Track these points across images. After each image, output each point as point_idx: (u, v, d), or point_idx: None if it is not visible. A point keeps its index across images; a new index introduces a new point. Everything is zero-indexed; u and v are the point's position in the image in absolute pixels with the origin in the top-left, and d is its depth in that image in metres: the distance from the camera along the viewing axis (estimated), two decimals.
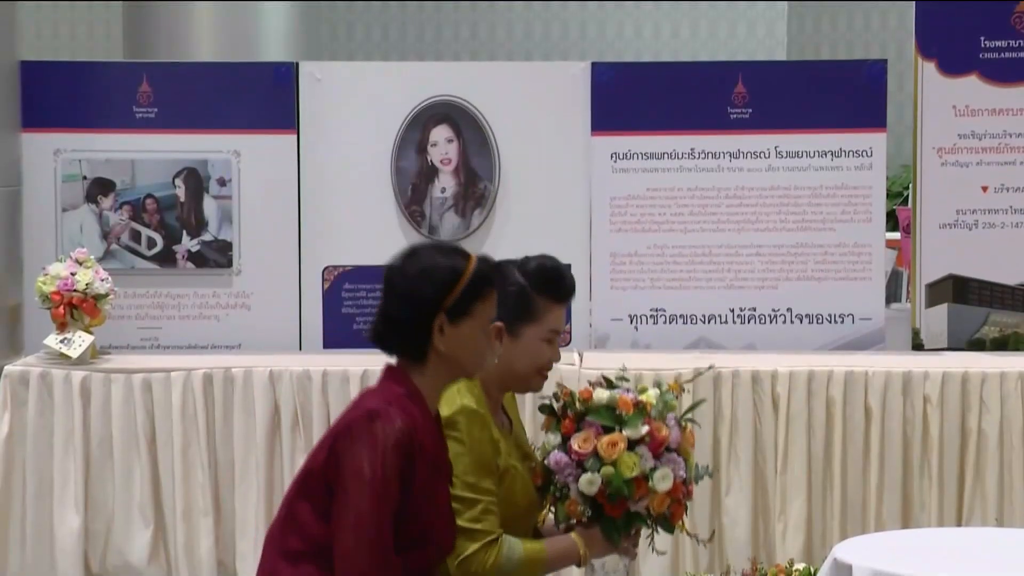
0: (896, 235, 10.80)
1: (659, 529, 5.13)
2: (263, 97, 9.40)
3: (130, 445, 8.34)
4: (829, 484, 8.58)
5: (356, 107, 9.45)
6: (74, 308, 8.60)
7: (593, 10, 18.72)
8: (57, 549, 8.50)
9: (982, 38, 9.16)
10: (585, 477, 4.94)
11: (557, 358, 5.38)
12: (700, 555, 8.57)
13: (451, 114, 9.29)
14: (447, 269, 4.69)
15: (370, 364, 8.32)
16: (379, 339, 4.78)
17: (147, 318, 8.79)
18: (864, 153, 9.21)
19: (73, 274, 8.58)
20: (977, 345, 9.00)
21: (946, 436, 8.19)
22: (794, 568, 7.17)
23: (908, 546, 5.26)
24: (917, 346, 9.03)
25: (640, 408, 5.00)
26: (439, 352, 4.68)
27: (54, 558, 8.51)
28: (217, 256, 9.03)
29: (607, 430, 4.95)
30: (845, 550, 5.05)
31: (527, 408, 7.73)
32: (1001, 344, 9.00)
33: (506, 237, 9.27)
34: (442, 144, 9.31)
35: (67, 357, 8.59)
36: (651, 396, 5.07)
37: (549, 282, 5.33)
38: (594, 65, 9.44)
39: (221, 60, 11.61)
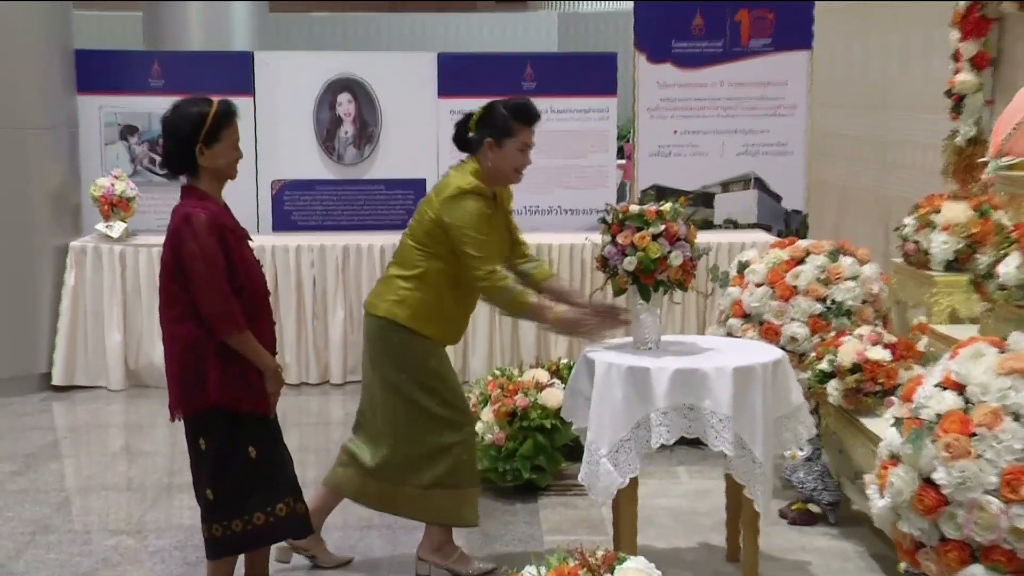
0: (623, 161, 10.98)
1: (676, 288, 4.96)
2: (233, 73, 9.50)
3: (151, 290, 8.27)
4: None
5: (290, 80, 9.56)
6: (113, 206, 8.91)
7: (444, 19, 18.74)
8: (108, 355, 8.82)
9: (673, 39, 9.46)
10: (627, 259, 4.84)
11: (528, 161, 5.25)
12: (503, 352, 8.99)
13: (350, 85, 9.47)
14: (197, 115, 4.59)
15: (301, 241, 8.89)
16: (168, 169, 4.71)
17: (159, 212, 8.49)
18: (604, 110, 9.58)
19: (112, 184, 8.88)
20: None
21: None
22: (561, 362, 6.96)
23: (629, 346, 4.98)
24: None
25: (659, 214, 4.89)
26: (204, 167, 4.59)
27: (106, 361, 8.82)
28: None
29: (639, 229, 4.85)
30: (590, 349, 4.96)
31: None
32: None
33: (386, 161, 9.51)
34: (344, 104, 9.48)
35: (109, 237, 8.88)
36: (667, 207, 4.95)
37: (519, 111, 5.20)
38: (440, 56, 9.64)
39: (207, 49, 11.70)
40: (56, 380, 8.81)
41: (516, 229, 5.46)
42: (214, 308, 4.48)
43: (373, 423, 5.29)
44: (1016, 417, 3.18)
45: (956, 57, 6.63)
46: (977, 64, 6.54)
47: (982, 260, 4.32)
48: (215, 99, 4.71)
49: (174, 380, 4.63)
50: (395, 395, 5.18)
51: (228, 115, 4.67)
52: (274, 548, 5.06)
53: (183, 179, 4.69)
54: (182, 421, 4.67)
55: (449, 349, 8.66)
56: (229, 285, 4.53)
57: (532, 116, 5.24)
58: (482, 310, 8.78)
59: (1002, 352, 3.38)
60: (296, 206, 9.52)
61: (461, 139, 5.29)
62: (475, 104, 8.95)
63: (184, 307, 4.55)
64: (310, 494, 5.16)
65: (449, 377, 5.31)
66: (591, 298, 5.25)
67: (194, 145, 4.57)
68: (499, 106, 5.24)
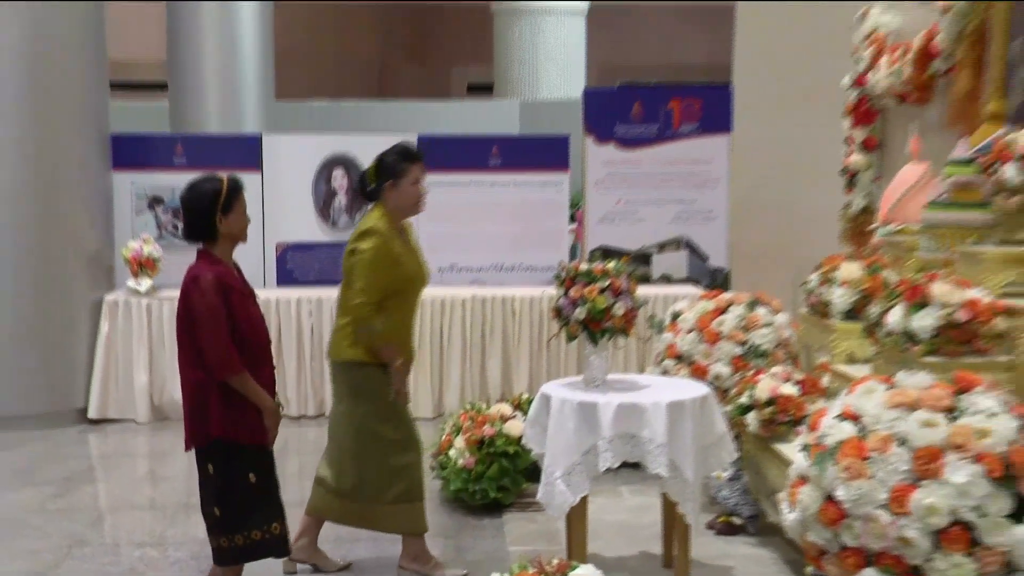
0: (575, 225, 10.90)
1: (620, 334, 4.92)
2: (244, 152, 9.48)
3: (172, 338, 7.49)
4: (546, 350, 8.83)
5: (292, 158, 9.53)
6: (142, 265, 8.89)
7: (424, 107, 18.78)
8: (135, 393, 8.78)
9: (616, 123, 9.52)
10: (578, 310, 4.84)
11: (425, 191, 5.26)
12: (472, 389, 8.80)
13: (344, 162, 9.45)
14: (212, 191, 4.59)
15: (301, 295, 8.89)
16: (189, 237, 4.68)
17: (180, 271, 8.13)
18: (558, 183, 9.60)
19: (141, 247, 8.88)
20: None
21: None
22: (522, 397, 6.82)
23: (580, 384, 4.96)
24: None
25: (605, 271, 4.90)
26: (222, 233, 4.60)
27: (134, 398, 8.78)
28: None
29: (588, 284, 4.86)
30: (547, 386, 4.98)
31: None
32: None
33: None
34: (339, 178, 9.48)
35: (138, 292, 8.84)
36: (611, 265, 4.97)
37: (406, 152, 5.22)
38: (420, 137, 9.39)
39: (222, 132, 11.72)
40: (91, 414, 8.75)
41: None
42: (215, 355, 4.49)
43: (340, 454, 5.28)
44: (902, 443, 3.21)
45: (849, 141, 6.71)
46: (866, 147, 6.63)
47: (873, 310, 4.36)
48: (224, 175, 4.71)
49: (186, 416, 4.64)
50: (358, 427, 5.19)
51: (237, 188, 4.68)
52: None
53: (199, 244, 4.67)
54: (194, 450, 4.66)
55: (425, 386, 8.74)
56: (232, 337, 4.52)
57: (417, 154, 5.29)
58: (455, 354, 8.87)
59: (890, 388, 3.41)
60: (297, 264, 9.48)
61: (365, 192, 5.29)
62: (452, 178, 9.41)
63: (194, 354, 4.56)
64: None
65: (400, 406, 5.27)
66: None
67: (214, 216, 4.58)
68: (387, 154, 5.25)
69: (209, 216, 4.59)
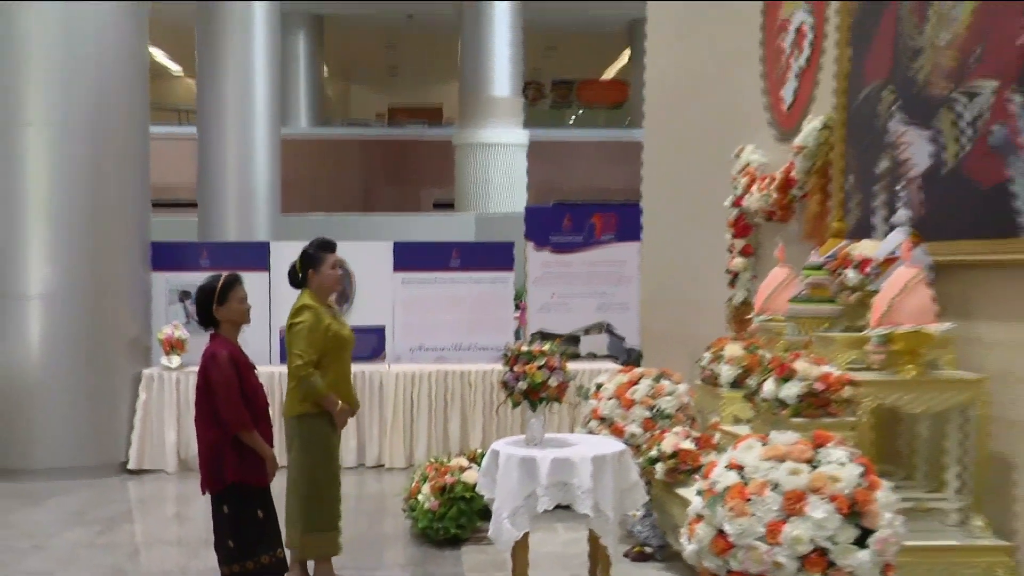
0: (518, 313, 10.90)
1: (554, 401, 4.92)
2: (256, 256, 9.47)
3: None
4: (496, 414, 8.78)
5: (290, 263, 9.52)
6: (172, 346, 8.86)
7: (398, 219, 18.79)
8: (166, 448, 8.68)
9: (551, 233, 9.65)
10: (521, 382, 4.82)
11: (340, 273, 5.26)
12: (437, 445, 8.74)
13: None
14: (210, 288, 4.62)
15: None
16: (200, 324, 4.69)
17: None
18: (505, 280, 9.58)
19: (172, 331, 8.87)
20: None
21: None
22: (477, 452, 6.79)
23: (523, 441, 4.95)
24: None
25: (542, 351, 4.89)
26: (221, 320, 4.62)
27: (165, 452, 8.68)
28: None
29: (529, 362, 4.85)
30: (496, 444, 4.93)
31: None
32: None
33: (359, 313, 9.34)
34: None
35: (169, 368, 8.78)
36: (547, 347, 4.95)
37: (323, 244, 5.23)
38: (395, 244, 9.55)
39: (238, 240, 11.65)
40: (131, 465, 8.66)
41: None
42: (230, 415, 4.48)
43: (292, 489, 5.19)
44: (775, 487, 3.19)
45: (731, 249, 6.76)
46: (744, 253, 6.67)
47: (752, 382, 4.34)
48: (225, 274, 4.72)
49: (202, 465, 4.60)
50: (304, 468, 5.11)
51: (229, 284, 4.67)
52: None
53: (210, 328, 4.70)
54: (209, 494, 4.64)
55: (398, 442, 8.66)
56: (243, 402, 4.53)
57: (331, 245, 5.28)
58: (423, 416, 8.81)
59: (765, 444, 3.41)
60: None
61: (294, 281, 5.28)
62: (420, 276, 9.43)
63: (210, 415, 4.53)
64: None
65: (333, 451, 5.22)
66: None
67: (211, 307, 4.62)
68: (308, 248, 5.23)
69: (208, 307, 4.63)
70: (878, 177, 4.85)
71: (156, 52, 25.17)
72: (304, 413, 5.05)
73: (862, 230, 4.96)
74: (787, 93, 6.11)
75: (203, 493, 4.63)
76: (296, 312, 5.08)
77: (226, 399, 4.48)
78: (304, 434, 5.09)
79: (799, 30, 5.97)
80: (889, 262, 4.24)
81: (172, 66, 27.67)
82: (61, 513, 7.35)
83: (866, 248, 4.47)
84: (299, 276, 5.22)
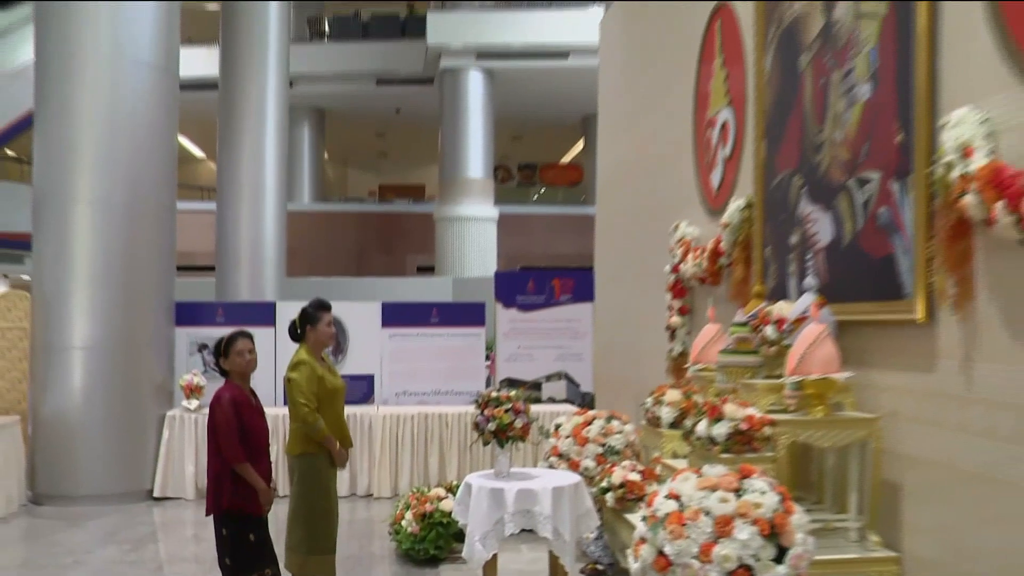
0: (489, 363, 10.65)
1: (520, 440, 4.86)
2: (263, 314, 9.40)
3: None
4: (469, 451, 8.62)
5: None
6: (192, 391, 8.78)
7: (386, 282, 18.72)
8: (186, 479, 8.59)
9: (517, 295, 9.66)
10: (490, 424, 4.79)
11: (333, 331, 5.10)
12: (418, 477, 8.67)
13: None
14: (217, 343, 4.67)
15: None
16: (217, 371, 4.70)
17: None
18: (478, 335, 9.53)
19: (192, 378, 8.79)
20: None
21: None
22: (453, 483, 6.75)
23: (492, 475, 4.88)
24: None
25: (509, 397, 4.87)
26: (228, 369, 4.62)
27: (184, 482, 8.58)
28: None
29: (497, 406, 4.83)
30: (469, 477, 4.89)
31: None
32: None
33: (351, 363, 9.30)
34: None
35: (189, 410, 8.69)
36: (513, 393, 4.93)
37: (319, 305, 5.05)
38: (383, 303, 9.46)
39: (250, 300, 11.54)
40: (156, 493, 8.57)
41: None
42: (227, 450, 4.46)
43: (292, 517, 5.00)
44: (707, 514, 3.17)
45: (670, 308, 6.75)
46: (681, 312, 6.66)
47: (688, 422, 4.32)
48: (234, 331, 4.74)
49: (208, 492, 4.58)
50: (304, 500, 4.93)
51: (231, 340, 4.68)
52: None
53: (224, 376, 4.70)
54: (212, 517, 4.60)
55: (385, 475, 8.55)
56: (240, 438, 4.48)
57: (327, 305, 5.12)
58: (406, 452, 8.73)
59: (699, 476, 3.40)
60: None
61: (293, 336, 5.12)
62: (405, 331, 9.38)
63: (215, 449, 4.51)
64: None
65: (331, 487, 5.00)
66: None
67: (219, 358, 4.66)
68: (307, 307, 5.07)
69: (217, 359, 4.67)
70: (791, 249, 4.91)
71: (184, 140, 25.17)
72: (304, 452, 4.94)
73: (778, 293, 4.99)
74: (715, 178, 6.17)
75: (207, 515, 4.58)
76: (293, 367, 4.96)
77: (225, 436, 4.45)
78: (304, 470, 4.99)
79: (724, 126, 6.05)
80: (801, 320, 4.27)
81: (197, 152, 27.68)
82: (98, 533, 7.31)
83: (782, 308, 4.50)
84: (298, 332, 5.12)
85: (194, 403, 8.77)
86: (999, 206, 3.05)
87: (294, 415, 4.93)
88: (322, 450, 4.94)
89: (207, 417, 4.58)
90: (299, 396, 4.86)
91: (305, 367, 4.92)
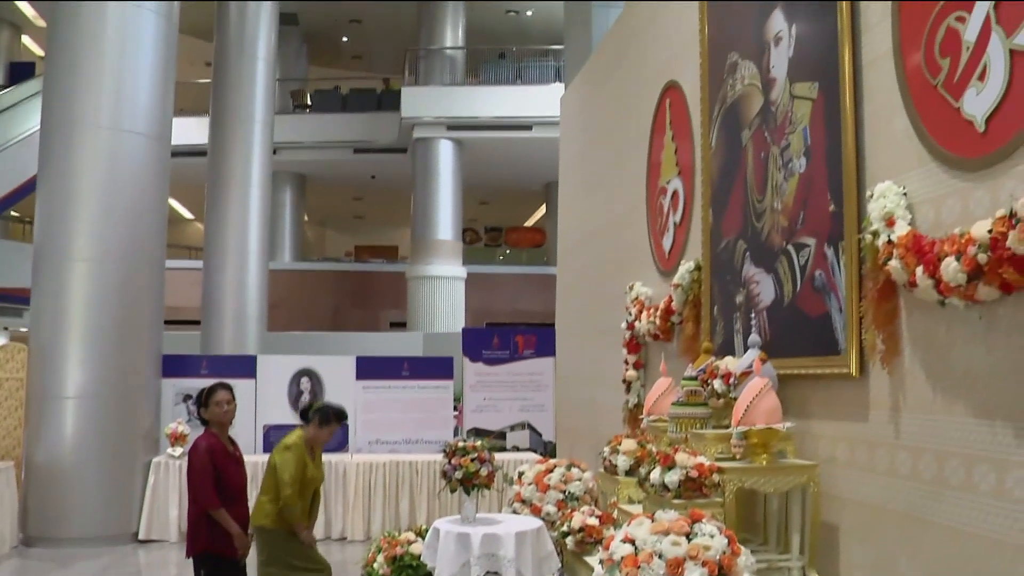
0: (457, 413, 10.54)
1: (485, 487, 4.81)
2: (244, 367, 9.32)
3: None
4: (437, 498, 8.54)
5: (275, 370, 9.35)
6: (176, 439, 8.62)
7: (360, 337, 18.62)
8: (169, 522, 8.39)
9: (483, 350, 9.61)
10: (457, 472, 4.74)
11: (328, 438, 4.86)
12: (390, 521, 8.47)
13: (309, 373, 9.33)
14: (198, 395, 4.64)
15: None
16: (200, 420, 4.63)
17: None
18: (446, 387, 9.47)
19: (177, 427, 8.64)
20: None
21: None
22: (422, 527, 6.79)
23: (459, 520, 4.88)
24: None
25: (475, 447, 4.82)
26: (207, 419, 4.55)
27: (168, 525, 8.38)
28: None
29: (464, 455, 4.78)
30: (437, 522, 4.85)
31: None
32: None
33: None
34: (305, 383, 9.32)
35: (174, 456, 8.52)
36: (479, 443, 4.89)
37: (339, 416, 4.86)
38: (357, 357, 9.37)
39: (232, 352, 11.41)
40: (141, 536, 8.38)
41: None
42: (202, 496, 4.42)
43: None
44: (660, 556, 3.18)
45: (626, 363, 6.79)
46: (636, 367, 6.69)
47: (643, 470, 4.31)
48: (214, 383, 4.68)
49: (187, 535, 4.53)
50: (269, 568, 4.66)
51: (210, 391, 4.63)
52: None
53: (205, 426, 4.65)
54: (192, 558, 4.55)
55: (358, 519, 8.42)
56: (215, 484, 4.43)
57: (343, 418, 4.95)
58: (379, 498, 8.60)
59: (653, 521, 3.40)
60: (276, 438, 8.80)
61: (303, 416, 4.92)
62: (378, 383, 9.30)
63: (194, 495, 4.46)
64: None
65: (302, 550, 4.72)
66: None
67: (200, 408, 4.63)
68: (328, 409, 4.86)
69: (198, 410, 4.65)
70: (736, 308, 4.98)
71: (174, 202, 25.06)
72: (263, 526, 4.67)
73: (726, 349, 5.05)
74: (667, 242, 6.25)
75: (186, 557, 4.52)
76: (285, 448, 4.73)
77: (200, 482, 4.41)
78: (267, 541, 4.69)
79: (674, 194, 6.16)
80: (746, 374, 4.32)
81: (186, 213, 27.57)
82: (87, 574, 7.16)
83: (728, 363, 4.54)
84: (307, 416, 4.90)
85: (178, 450, 8.62)
86: (919, 271, 3.14)
87: (273, 493, 4.67)
88: (283, 524, 4.68)
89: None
90: (285, 473, 4.64)
91: (295, 453, 4.71)
